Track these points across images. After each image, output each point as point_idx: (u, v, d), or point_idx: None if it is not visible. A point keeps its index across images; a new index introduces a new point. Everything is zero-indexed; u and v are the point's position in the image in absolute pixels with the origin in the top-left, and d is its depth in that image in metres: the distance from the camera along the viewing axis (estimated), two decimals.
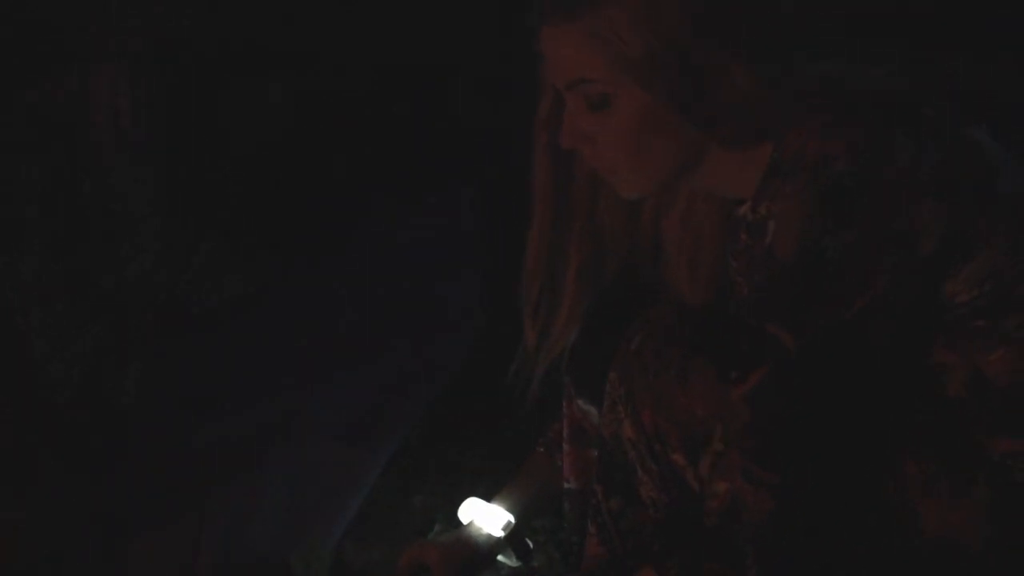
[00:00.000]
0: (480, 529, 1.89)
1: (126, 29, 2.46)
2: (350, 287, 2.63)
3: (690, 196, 1.66)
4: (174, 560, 2.08)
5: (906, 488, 1.45)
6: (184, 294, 2.47)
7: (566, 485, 1.85)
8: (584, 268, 1.70)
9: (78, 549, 2.09)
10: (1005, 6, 2.83)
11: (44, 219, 2.32)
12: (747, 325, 1.47)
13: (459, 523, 1.93)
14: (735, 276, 1.56)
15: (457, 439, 2.30)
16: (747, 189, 1.52)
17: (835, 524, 1.45)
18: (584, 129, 1.52)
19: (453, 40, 2.95)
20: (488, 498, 1.93)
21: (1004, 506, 1.45)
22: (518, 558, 1.91)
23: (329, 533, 2.09)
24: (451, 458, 2.26)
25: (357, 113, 2.89)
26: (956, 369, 1.46)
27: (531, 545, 1.92)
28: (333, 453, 2.22)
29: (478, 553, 1.88)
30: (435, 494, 2.16)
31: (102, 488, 2.17)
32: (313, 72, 2.78)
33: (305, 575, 2.04)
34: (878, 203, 1.39)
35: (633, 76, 1.46)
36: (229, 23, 2.70)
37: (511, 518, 1.89)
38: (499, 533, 1.88)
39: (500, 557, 1.91)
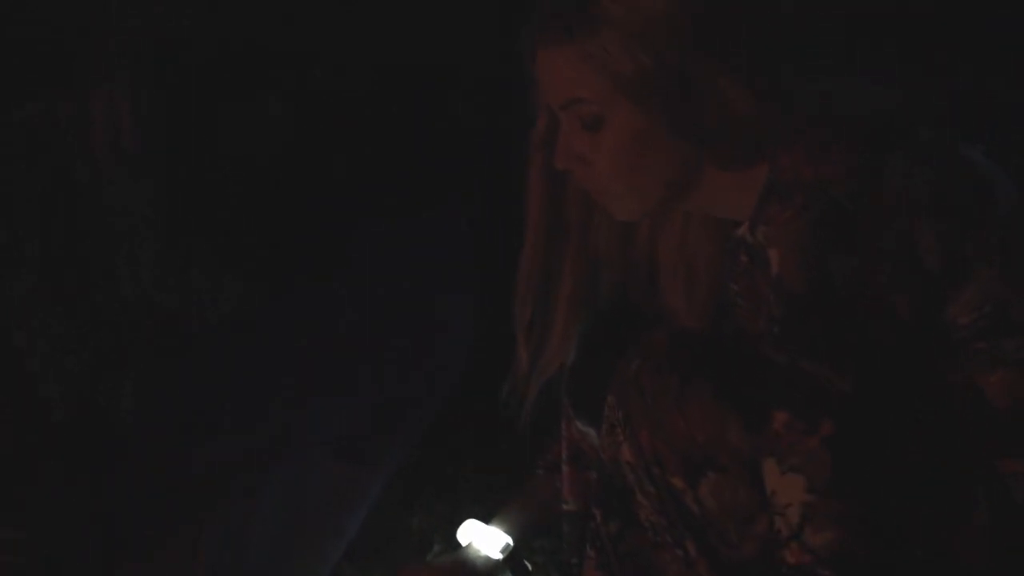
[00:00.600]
0: (479, 551, 1.88)
1: (124, 39, 2.45)
2: (349, 303, 2.63)
3: (685, 217, 1.65)
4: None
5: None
6: (182, 310, 2.46)
7: (565, 507, 1.84)
8: (578, 289, 1.69)
9: (77, 563, 2.09)
10: (1005, 7, 2.82)
11: (41, 233, 2.31)
12: (773, 361, 1.44)
13: (458, 544, 1.93)
14: (735, 298, 1.55)
15: (456, 459, 2.29)
16: (744, 210, 1.51)
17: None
18: (578, 149, 1.51)
19: (452, 51, 2.94)
20: (487, 519, 1.92)
21: (1005, 525, 1.44)
22: None
23: (327, 553, 2.09)
24: (450, 478, 2.25)
25: (355, 127, 2.88)
26: (958, 391, 1.45)
27: (530, 567, 1.92)
28: (331, 472, 2.21)
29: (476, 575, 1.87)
30: (433, 514, 2.15)
31: (101, 502, 2.17)
32: (311, 83, 2.77)
33: None
34: (877, 223, 1.37)
35: (627, 96, 1.45)
36: (228, 25, 2.70)
37: (510, 541, 1.88)
38: (498, 556, 1.87)
39: None
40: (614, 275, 1.71)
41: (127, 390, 2.33)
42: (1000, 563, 1.45)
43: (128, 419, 2.31)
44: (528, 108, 1.62)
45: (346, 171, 2.87)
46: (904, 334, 1.40)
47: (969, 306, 1.41)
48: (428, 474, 2.27)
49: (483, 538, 1.89)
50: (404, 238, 2.74)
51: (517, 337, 1.70)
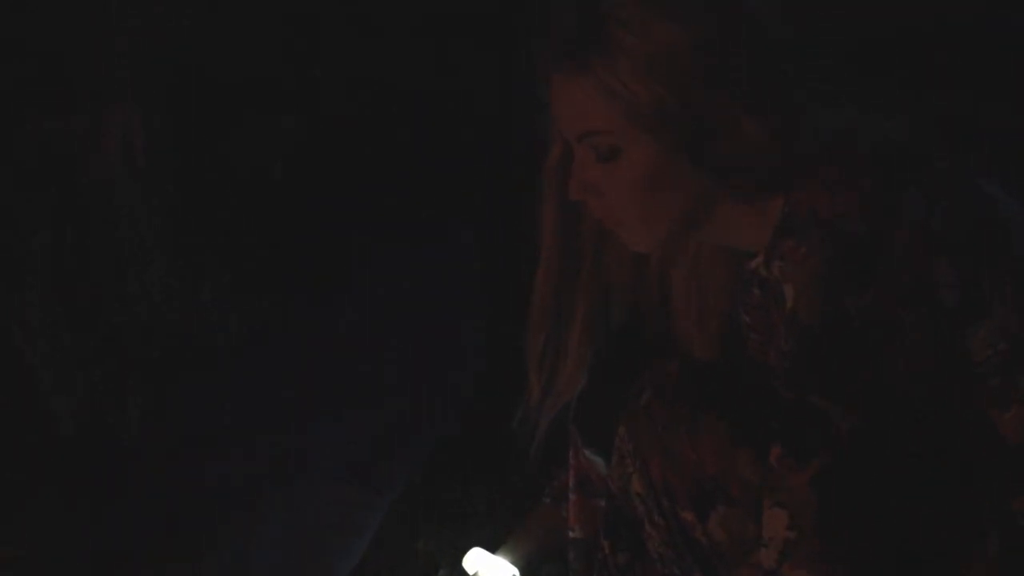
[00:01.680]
0: None
1: (133, 52, 2.45)
2: (354, 326, 2.62)
3: (698, 247, 1.64)
4: None
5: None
6: (190, 330, 2.46)
7: (571, 534, 1.83)
8: (590, 319, 1.68)
9: None
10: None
11: (53, 252, 2.31)
12: (780, 396, 1.44)
13: (463, 572, 1.91)
14: (748, 332, 1.54)
15: (462, 483, 2.28)
16: (758, 242, 1.50)
17: None
18: (593, 181, 1.50)
19: (462, 75, 2.94)
20: (493, 546, 1.91)
21: (1016, 563, 1.43)
22: None
23: None
24: (456, 502, 2.24)
25: (363, 150, 2.88)
26: (971, 427, 1.44)
27: None
28: (335, 494, 2.20)
29: None
30: (439, 539, 2.14)
31: (102, 523, 2.17)
32: (319, 103, 2.77)
33: None
34: (894, 259, 1.37)
35: (643, 128, 1.44)
36: (235, 39, 2.69)
37: (516, 572, 1.87)
38: None
39: None
40: (626, 304, 1.70)
41: (134, 405, 2.33)
42: None
43: (134, 435, 2.31)
44: (536, 128, 1.61)
45: (355, 189, 2.87)
46: (918, 371, 1.39)
47: (984, 342, 1.40)
48: (434, 498, 2.26)
49: (489, 568, 1.88)
50: (412, 260, 2.74)
51: (529, 366, 1.69)
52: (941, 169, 1.43)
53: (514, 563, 1.88)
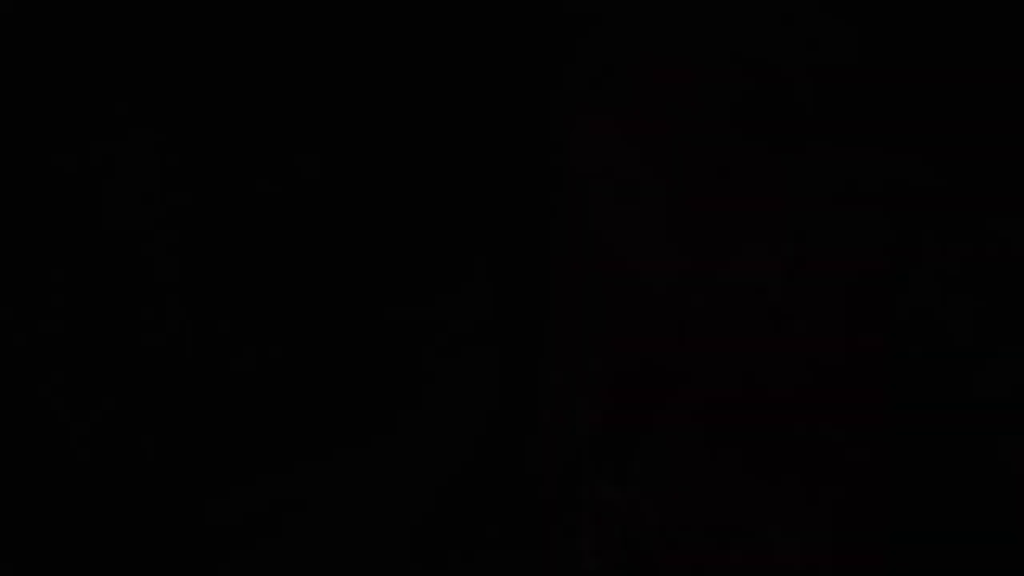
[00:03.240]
0: None
1: (149, 92, 2.47)
2: (364, 363, 2.62)
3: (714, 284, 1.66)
4: None
5: None
6: (205, 364, 2.46)
7: (586, 571, 1.83)
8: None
9: None
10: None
11: (68, 279, 2.32)
12: (790, 425, 1.45)
13: None
14: (764, 368, 1.55)
15: (472, 524, 2.28)
16: (774, 279, 1.51)
17: None
18: (612, 217, 1.52)
19: (472, 120, 2.95)
20: None
21: None
22: None
23: None
24: (464, 545, 2.23)
25: (378, 189, 2.89)
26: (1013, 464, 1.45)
27: None
28: (338, 536, 2.20)
29: None
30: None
31: (112, 556, 2.16)
32: (335, 141, 2.78)
33: None
34: (910, 299, 1.38)
35: (661, 166, 1.46)
36: (248, 83, 2.71)
37: None
38: None
39: None
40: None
41: (148, 446, 2.33)
42: None
43: (148, 467, 2.31)
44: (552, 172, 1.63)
45: (364, 247, 2.88)
46: (930, 403, 1.40)
47: (1003, 377, 1.41)
48: (442, 539, 2.25)
49: None
50: (417, 315, 2.74)
51: (542, 406, 1.70)
52: (956, 207, 1.45)
53: None
